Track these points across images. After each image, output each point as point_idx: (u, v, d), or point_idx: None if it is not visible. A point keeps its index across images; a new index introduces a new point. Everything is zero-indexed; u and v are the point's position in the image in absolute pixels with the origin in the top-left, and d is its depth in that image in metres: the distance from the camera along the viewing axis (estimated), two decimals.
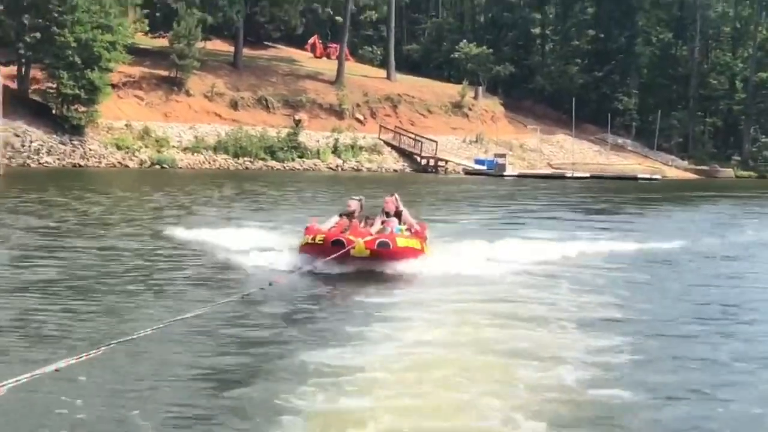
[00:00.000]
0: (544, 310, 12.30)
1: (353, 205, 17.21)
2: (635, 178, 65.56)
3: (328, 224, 16.66)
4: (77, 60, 51.44)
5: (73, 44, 51.40)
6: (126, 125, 55.40)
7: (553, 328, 11.03)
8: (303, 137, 60.67)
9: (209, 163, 56.24)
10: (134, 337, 7.51)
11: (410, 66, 79.46)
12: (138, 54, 58.80)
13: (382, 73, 74.81)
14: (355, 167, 61.77)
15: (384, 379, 8.61)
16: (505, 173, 62.59)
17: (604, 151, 76.94)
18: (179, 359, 8.98)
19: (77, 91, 51.78)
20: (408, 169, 63.91)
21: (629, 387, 8.45)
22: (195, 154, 56.43)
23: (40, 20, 52.27)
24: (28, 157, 49.16)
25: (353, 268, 15.15)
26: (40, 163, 49.35)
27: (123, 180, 45.82)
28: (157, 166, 53.32)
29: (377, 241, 15.37)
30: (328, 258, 15.05)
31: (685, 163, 79.09)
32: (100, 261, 17.44)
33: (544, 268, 16.69)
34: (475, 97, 73.32)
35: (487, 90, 75.93)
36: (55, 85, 52.44)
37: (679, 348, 10.55)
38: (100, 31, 52.88)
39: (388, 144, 65.68)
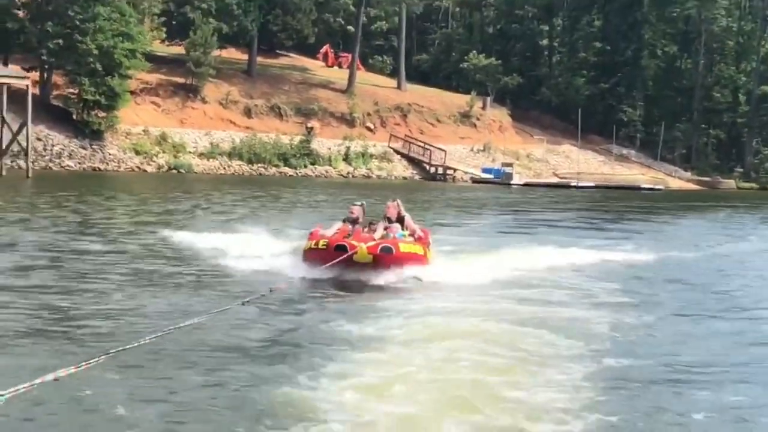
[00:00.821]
0: (541, 314, 12.28)
1: (356, 211, 16.90)
2: (639, 188, 65.42)
3: (332, 230, 16.31)
4: (98, 67, 51.52)
5: (95, 51, 51.52)
6: (144, 131, 55.35)
7: (547, 331, 10.94)
8: (315, 145, 60.59)
9: (224, 168, 56.28)
10: (136, 345, 7.06)
11: (420, 76, 79.72)
12: (155, 61, 58.91)
13: (393, 82, 74.88)
14: (366, 174, 61.60)
15: (383, 378, 8.55)
16: (511, 182, 62.65)
17: (609, 161, 76.78)
18: (184, 365, 8.77)
19: (98, 97, 51.96)
20: (417, 177, 63.87)
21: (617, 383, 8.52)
22: (210, 159, 56.54)
23: (63, 28, 52.27)
24: (50, 161, 49.39)
25: (356, 274, 14.88)
26: (61, 167, 49.62)
27: (141, 184, 46.23)
28: (174, 171, 53.51)
29: (380, 246, 15.06)
30: (331, 263, 14.71)
31: (688, 174, 79.18)
32: (106, 263, 17.32)
33: (546, 276, 16.72)
34: (483, 107, 73.40)
35: (494, 100, 76.09)
36: (76, 91, 52.53)
37: (669, 340, 10.79)
38: (121, 39, 52.98)
39: (397, 152, 65.50)
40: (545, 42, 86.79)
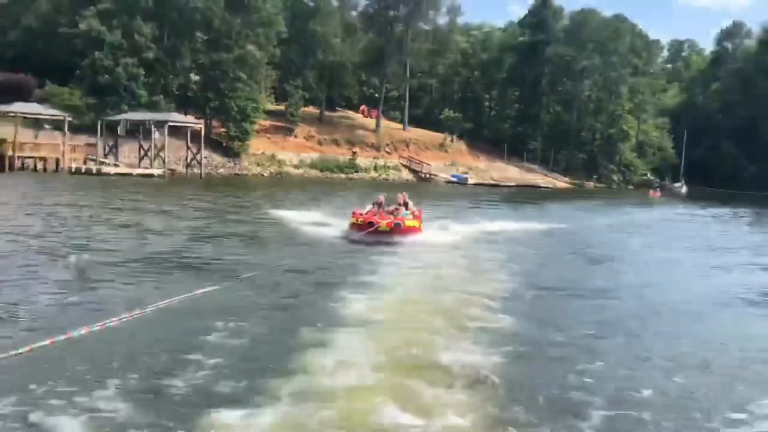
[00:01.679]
0: (480, 261, 16.39)
1: (380, 198, 21.00)
2: (538, 187, 78.24)
3: (365, 211, 20.17)
4: (238, 117, 65.71)
5: (236, 109, 65.71)
6: (262, 153, 68.93)
7: (483, 272, 14.81)
8: (358, 161, 74.36)
9: (306, 174, 69.23)
10: (239, 279, 11.37)
11: (417, 122, 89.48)
12: (268, 114, 71.94)
13: (401, 126, 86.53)
14: (385, 178, 72.80)
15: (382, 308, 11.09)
16: (467, 183, 74.50)
17: (522, 171, 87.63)
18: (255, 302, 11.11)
19: (237, 134, 66.32)
20: (414, 180, 74.48)
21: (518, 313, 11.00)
22: (299, 169, 69.71)
23: (217, 95, 66.01)
24: (211, 170, 61.07)
25: (380, 238, 18.75)
26: (217, 173, 61.41)
27: (260, 183, 56.44)
28: (279, 176, 66.05)
29: (394, 222, 19.14)
30: (365, 231, 18.90)
31: (567, 179, 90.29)
32: (232, 221, 24.34)
33: (485, 236, 21.97)
34: (452, 141, 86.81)
35: (458, 137, 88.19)
36: (225, 131, 66.22)
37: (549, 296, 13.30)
38: (250, 101, 66.90)
39: (404, 165, 78.55)
40: (486, 104, 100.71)
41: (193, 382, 7.36)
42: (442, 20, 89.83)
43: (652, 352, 9.68)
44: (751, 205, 58.24)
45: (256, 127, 69.80)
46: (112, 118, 56.03)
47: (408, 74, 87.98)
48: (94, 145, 53.55)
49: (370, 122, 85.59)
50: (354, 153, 76.62)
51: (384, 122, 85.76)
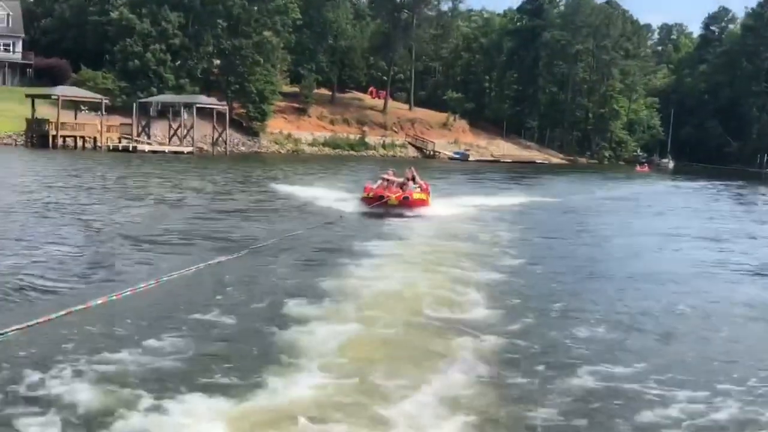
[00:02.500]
0: (484, 233, 16.31)
1: (390, 173, 20.86)
2: (535, 162, 79.86)
3: (376, 185, 20.10)
4: (257, 99, 67.65)
5: (255, 91, 67.46)
6: (279, 132, 70.78)
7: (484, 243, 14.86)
8: (367, 139, 76.37)
9: (320, 151, 71.04)
10: (236, 255, 10.66)
11: (422, 102, 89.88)
12: (284, 95, 73.23)
13: (407, 106, 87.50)
14: (393, 155, 74.17)
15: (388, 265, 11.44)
16: (468, 159, 75.71)
17: (520, 148, 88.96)
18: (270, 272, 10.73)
19: (256, 115, 68.21)
20: (420, 156, 75.88)
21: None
22: (313, 147, 71.51)
23: (238, 78, 67.53)
24: (233, 147, 62.37)
25: (390, 210, 18.96)
26: (238, 151, 62.80)
27: (277, 159, 57.80)
28: (295, 153, 68.14)
29: (402, 196, 19.12)
30: (376, 204, 18.97)
31: (561, 155, 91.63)
32: (246, 191, 25.04)
33: (487, 211, 21.45)
34: (454, 120, 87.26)
35: (460, 116, 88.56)
36: (245, 111, 67.69)
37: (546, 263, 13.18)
38: (268, 84, 68.70)
39: (410, 143, 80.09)
40: (486, 85, 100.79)
41: (211, 344, 7.23)
42: (446, 6, 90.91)
43: (623, 309, 9.72)
44: (733, 179, 58.99)
45: (273, 108, 71.11)
46: (145, 100, 57.97)
47: (413, 58, 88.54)
48: (129, 125, 55.40)
49: (379, 103, 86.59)
50: (363, 132, 78.18)
51: (391, 103, 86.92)
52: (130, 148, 52.11)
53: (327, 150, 72.52)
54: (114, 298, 6.88)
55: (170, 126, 58.26)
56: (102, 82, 62.57)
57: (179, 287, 8.74)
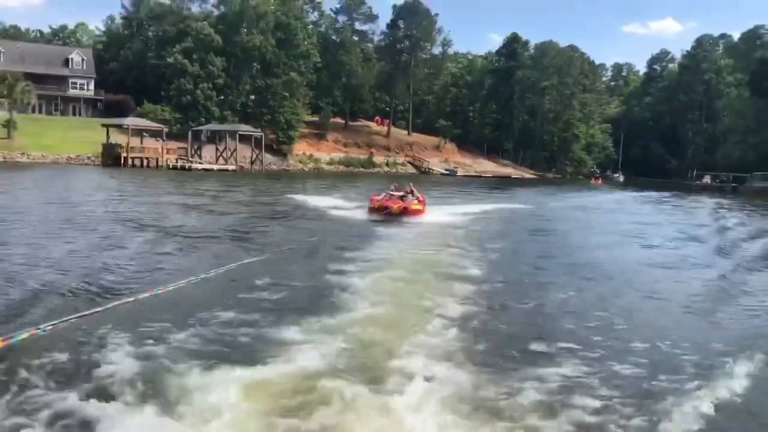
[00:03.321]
0: (468, 234, 16.20)
1: (393, 187, 21.14)
2: (510, 177, 78.99)
3: (381, 197, 20.19)
4: (285, 127, 68.85)
5: (283, 121, 68.56)
6: (303, 153, 71.36)
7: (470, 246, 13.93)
8: (374, 159, 76.80)
9: (336, 169, 70.59)
10: (257, 259, 9.99)
11: (418, 129, 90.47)
12: (306, 124, 74.49)
13: (406, 132, 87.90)
14: (395, 171, 72.90)
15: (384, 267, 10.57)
16: (457, 174, 75.76)
17: (498, 166, 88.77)
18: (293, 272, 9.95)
19: (285, 139, 69.24)
20: (416, 172, 74.89)
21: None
22: (330, 165, 71.56)
23: (264, 109, 68.09)
24: (266, 166, 61.83)
25: (392, 218, 18.52)
26: (270, 169, 62.34)
27: (302, 175, 57.96)
28: (316, 170, 68.08)
29: (403, 207, 18.99)
30: (381, 214, 18.82)
31: (532, 171, 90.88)
32: (271, 203, 23.75)
33: (472, 217, 21.09)
34: (445, 143, 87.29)
35: (449, 140, 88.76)
36: (275, 137, 68.09)
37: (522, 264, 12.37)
38: (294, 114, 68.32)
39: (409, 162, 79.73)
40: (471, 114, 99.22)
41: (246, 329, 7.10)
42: (437, 51, 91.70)
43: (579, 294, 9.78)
44: (668, 189, 59.70)
45: (298, 134, 72.26)
46: (198, 128, 59.77)
47: (411, 92, 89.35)
48: (184, 148, 57.17)
49: (383, 129, 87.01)
50: (371, 153, 78.84)
51: (393, 129, 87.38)
52: (186, 167, 53.74)
53: (342, 168, 73.13)
54: (159, 292, 6.62)
55: (217, 149, 59.88)
56: (161, 114, 64.29)
57: (217, 282, 8.61)
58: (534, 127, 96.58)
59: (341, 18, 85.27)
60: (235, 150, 58.08)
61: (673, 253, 15.57)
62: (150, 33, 78.82)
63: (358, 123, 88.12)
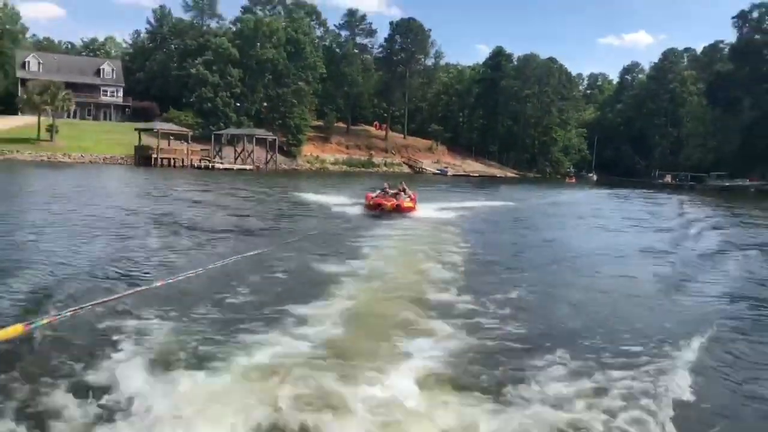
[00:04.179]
0: (455, 232, 15.34)
1: (386, 185, 20.86)
2: (495, 176, 79.94)
3: (375, 194, 19.98)
4: (294, 131, 70.21)
5: (293, 126, 69.33)
6: (310, 155, 72.54)
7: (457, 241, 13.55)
8: (373, 160, 78.00)
9: (339, 168, 71.44)
10: (254, 253, 8.76)
11: (413, 132, 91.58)
12: (313, 128, 75.57)
13: (402, 135, 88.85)
14: (392, 171, 73.24)
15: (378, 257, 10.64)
16: (447, 174, 76.07)
17: (485, 166, 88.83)
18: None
19: (294, 142, 70.53)
20: (411, 172, 75.50)
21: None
22: (334, 165, 72.66)
23: (279, 115, 69.83)
24: (278, 165, 63.24)
25: (386, 214, 18.34)
26: (282, 169, 63.53)
27: (305, 175, 58.60)
28: (322, 170, 68.91)
29: (396, 204, 18.84)
30: (375, 210, 18.73)
31: (515, 171, 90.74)
32: (275, 199, 23.69)
33: (460, 213, 21.02)
34: (437, 145, 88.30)
35: (441, 143, 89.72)
36: (286, 140, 68.62)
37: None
38: (302, 120, 69.90)
39: (405, 163, 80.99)
40: (460, 120, 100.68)
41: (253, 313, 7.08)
42: (430, 62, 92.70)
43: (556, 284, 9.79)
44: (640, 188, 60.53)
45: (305, 137, 73.71)
46: (219, 132, 61.48)
47: (407, 100, 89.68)
48: (206, 150, 59.04)
49: (381, 133, 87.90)
50: (370, 154, 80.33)
51: (390, 133, 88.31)
52: (209, 167, 55.64)
53: (345, 167, 74.16)
54: (170, 281, 6.41)
55: (235, 150, 61.54)
56: (184, 119, 66.29)
57: (231, 270, 8.51)
58: (517, 131, 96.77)
59: (344, 33, 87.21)
60: (252, 151, 60.04)
61: (624, 241, 16.32)
62: (172, 46, 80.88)
63: (359, 127, 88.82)
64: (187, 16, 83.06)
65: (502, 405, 5.03)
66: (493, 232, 17.26)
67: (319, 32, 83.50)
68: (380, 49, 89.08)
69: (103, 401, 4.76)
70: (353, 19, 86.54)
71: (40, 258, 9.56)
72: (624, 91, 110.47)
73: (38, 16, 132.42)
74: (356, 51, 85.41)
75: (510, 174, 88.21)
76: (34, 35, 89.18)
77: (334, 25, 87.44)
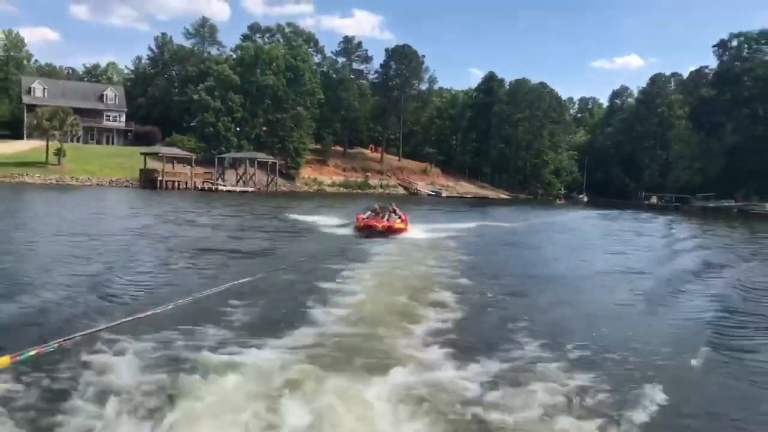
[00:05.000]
0: (445, 253, 15.32)
1: (377, 206, 21.00)
2: (488, 198, 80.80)
3: (366, 215, 20.09)
4: (293, 154, 72.34)
5: (291, 149, 72.29)
6: (308, 177, 74.89)
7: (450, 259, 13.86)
8: (369, 182, 79.53)
9: (337, 190, 73.26)
10: (251, 278, 9.09)
11: (407, 155, 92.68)
12: (311, 151, 77.44)
13: (397, 158, 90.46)
14: (388, 192, 74.22)
15: (369, 276, 10.75)
16: (441, 195, 77.57)
17: (477, 188, 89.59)
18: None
19: (293, 165, 72.58)
20: (406, 193, 77.41)
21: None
22: (332, 187, 74.74)
23: (276, 140, 71.57)
24: (277, 187, 65.17)
25: (377, 236, 18.28)
26: (281, 190, 65.01)
27: (304, 196, 59.47)
28: (319, 191, 71.21)
29: (387, 226, 18.99)
30: (366, 231, 18.88)
31: (507, 193, 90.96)
32: (271, 220, 23.49)
33: (451, 233, 20.73)
34: (431, 168, 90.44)
35: (435, 165, 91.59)
36: (285, 163, 70.68)
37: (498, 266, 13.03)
38: (301, 144, 72.40)
39: (400, 184, 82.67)
40: (454, 143, 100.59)
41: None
42: (424, 87, 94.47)
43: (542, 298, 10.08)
44: (630, 209, 61.27)
45: (304, 160, 76.01)
46: (221, 156, 63.75)
47: (401, 123, 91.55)
48: (209, 173, 61.45)
49: (377, 156, 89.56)
50: (366, 176, 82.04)
51: (385, 155, 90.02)
52: (213, 189, 57.84)
53: (342, 189, 75.77)
54: (158, 311, 6.17)
55: (237, 173, 63.96)
56: (186, 143, 68.79)
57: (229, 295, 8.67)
58: (509, 154, 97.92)
59: (341, 59, 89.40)
60: (254, 174, 62.33)
61: (610, 259, 17.20)
62: (173, 72, 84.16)
63: (355, 150, 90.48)
64: (188, 43, 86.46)
65: (490, 415, 5.30)
66: (484, 252, 17.35)
67: (316, 59, 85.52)
68: (376, 75, 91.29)
69: None
70: (350, 46, 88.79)
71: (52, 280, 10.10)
72: (614, 115, 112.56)
73: (34, 40, 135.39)
74: (353, 77, 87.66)
75: (502, 195, 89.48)
76: (36, 61, 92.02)
77: (331, 51, 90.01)
